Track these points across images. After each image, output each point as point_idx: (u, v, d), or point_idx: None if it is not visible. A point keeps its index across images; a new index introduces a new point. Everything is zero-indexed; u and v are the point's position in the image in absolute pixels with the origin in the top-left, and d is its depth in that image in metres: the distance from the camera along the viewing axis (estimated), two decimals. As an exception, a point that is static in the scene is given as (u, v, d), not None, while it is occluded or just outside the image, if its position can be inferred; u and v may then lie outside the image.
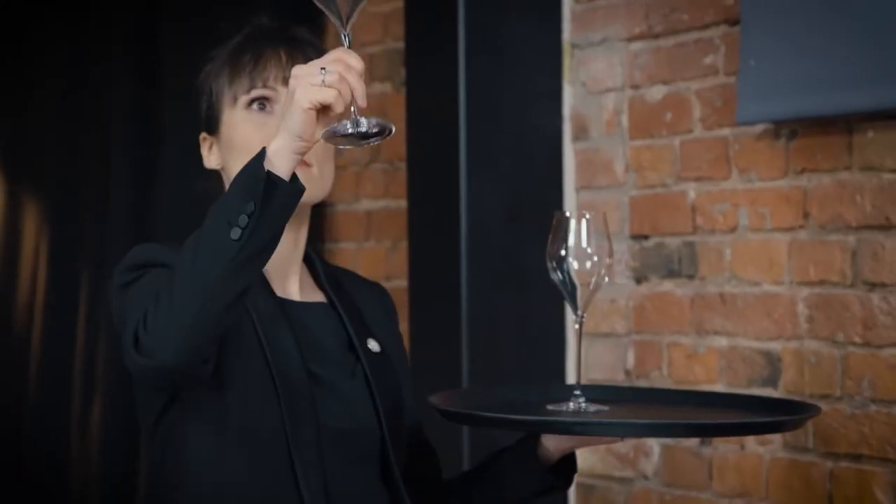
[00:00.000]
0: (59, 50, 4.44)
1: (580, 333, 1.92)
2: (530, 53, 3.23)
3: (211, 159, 1.96)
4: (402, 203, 3.57)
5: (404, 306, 3.49)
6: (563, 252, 1.83)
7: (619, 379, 3.10)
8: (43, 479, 4.28)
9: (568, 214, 1.85)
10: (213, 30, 3.93)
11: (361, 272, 3.85)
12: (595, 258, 1.84)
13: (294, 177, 1.62)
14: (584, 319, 1.88)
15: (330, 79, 1.58)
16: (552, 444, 1.93)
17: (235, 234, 1.58)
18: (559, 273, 1.84)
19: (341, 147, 1.68)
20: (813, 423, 2.68)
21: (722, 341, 2.88)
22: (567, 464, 1.98)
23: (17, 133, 4.64)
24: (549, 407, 1.87)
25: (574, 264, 1.83)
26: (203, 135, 1.98)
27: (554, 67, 3.23)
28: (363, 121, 1.60)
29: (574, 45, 3.22)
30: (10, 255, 4.57)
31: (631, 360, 3.09)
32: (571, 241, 1.83)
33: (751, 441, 2.81)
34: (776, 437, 2.75)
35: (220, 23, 3.83)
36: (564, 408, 1.86)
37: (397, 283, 3.66)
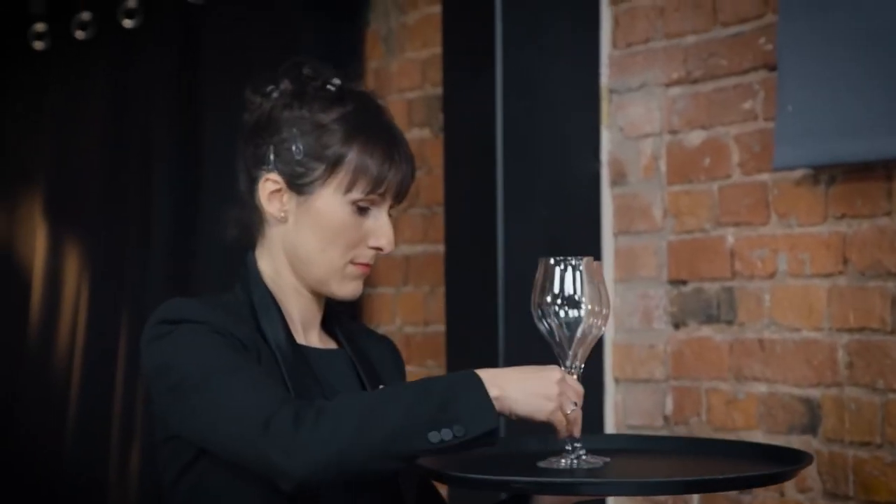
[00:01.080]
0: (102, 94, 4.48)
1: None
2: (568, 98, 3.23)
3: (274, 205, 1.93)
4: (441, 248, 3.57)
5: (442, 352, 3.48)
6: (548, 300, 1.76)
7: (658, 425, 3.08)
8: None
9: (553, 262, 1.77)
10: (253, 74, 3.96)
11: (400, 317, 3.89)
12: (588, 307, 1.77)
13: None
14: (581, 371, 1.81)
15: (572, 415, 1.75)
16: (546, 500, 1.94)
17: (433, 438, 1.67)
18: (544, 323, 1.79)
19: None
20: (853, 471, 2.66)
21: (761, 388, 2.86)
22: None
23: (60, 175, 4.69)
24: (540, 464, 1.81)
25: (566, 314, 1.77)
26: (272, 177, 1.93)
27: (591, 112, 3.23)
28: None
29: (612, 90, 3.22)
30: (51, 297, 4.60)
31: (669, 406, 3.07)
32: (565, 289, 1.76)
33: (790, 488, 2.78)
34: (816, 485, 2.72)
35: (263, 63, 3.86)
36: (555, 464, 1.79)
37: (435, 328, 3.65)
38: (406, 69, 3.85)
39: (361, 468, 1.69)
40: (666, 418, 3.07)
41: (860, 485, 2.64)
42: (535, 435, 1.95)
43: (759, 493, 2.84)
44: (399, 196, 1.93)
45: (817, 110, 2.67)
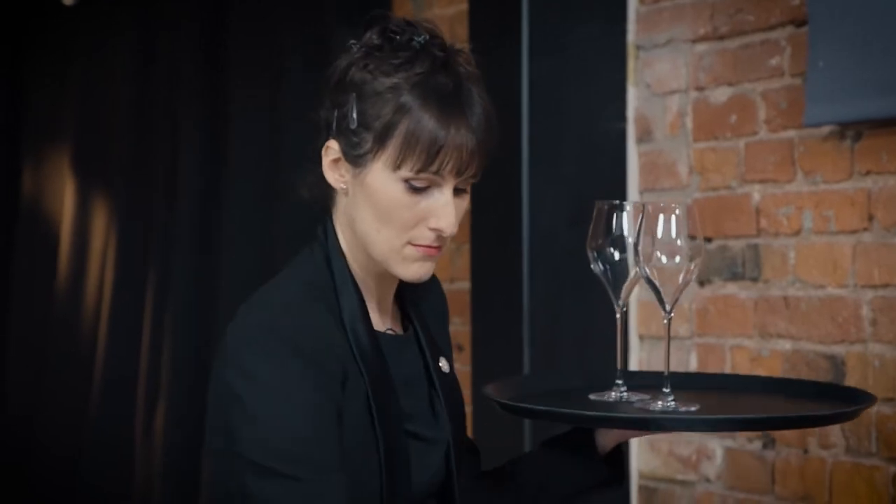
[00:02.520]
0: (129, 55, 4.49)
1: (622, 323, 1.91)
2: (594, 55, 3.22)
3: (333, 175, 1.81)
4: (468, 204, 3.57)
5: (467, 308, 3.49)
6: (609, 242, 1.79)
7: (682, 382, 3.09)
8: (107, 478, 4.32)
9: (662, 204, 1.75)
10: (283, 31, 3.95)
11: (426, 274, 3.89)
12: (687, 253, 1.74)
13: None
14: (672, 315, 1.83)
15: None
16: (605, 434, 1.92)
17: None
18: (603, 264, 1.82)
19: None
20: (876, 427, 2.65)
21: (786, 345, 2.86)
22: (617, 456, 1.97)
23: (87, 134, 4.71)
24: (592, 397, 1.87)
25: (663, 259, 1.73)
26: (332, 145, 1.80)
27: (618, 69, 3.22)
28: None
29: (639, 47, 3.21)
30: (78, 255, 4.62)
31: (694, 363, 3.07)
32: (661, 233, 1.73)
33: (814, 445, 2.78)
34: (839, 441, 2.72)
35: (289, 23, 3.86)
36: (606, 397, 1.85)
37: (461, 286, 3.66)
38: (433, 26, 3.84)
39: None
40: (690, 375, 3.07)
41: (883, 441, 2.64)
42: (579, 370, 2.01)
43: (783, 449, 2.85)
44: (462, 172, 1.73)
45: (848, 67, 2.65)
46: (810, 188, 2.81)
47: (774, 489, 2.87)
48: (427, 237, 1.74)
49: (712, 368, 3.02)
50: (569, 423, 1.86)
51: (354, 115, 1.74)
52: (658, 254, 1.72)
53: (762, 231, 2.92)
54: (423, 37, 1.75)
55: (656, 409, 1.77)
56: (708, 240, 3.04)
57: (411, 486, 1.79)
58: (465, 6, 3.53)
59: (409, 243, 1.75)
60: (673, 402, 1.78)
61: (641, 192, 3.19)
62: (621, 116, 3.22)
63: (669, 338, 1.84)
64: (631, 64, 3.22)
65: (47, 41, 4.89)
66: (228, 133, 4.07)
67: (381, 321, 1.86)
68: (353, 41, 1.78)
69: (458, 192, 1.76)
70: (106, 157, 4.58)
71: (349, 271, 1.81)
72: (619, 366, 1.90)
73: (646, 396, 1.86)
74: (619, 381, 1.88)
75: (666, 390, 1.80)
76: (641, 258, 1.74)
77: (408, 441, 1.80)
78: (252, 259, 3.91)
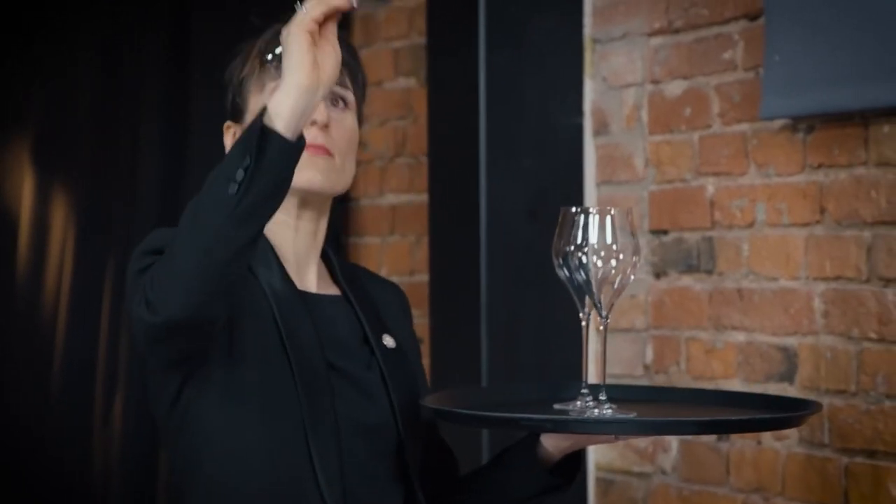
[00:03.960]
0: (90, 40, 4.47)
1: (587, 332, 1.88)
2: (551, 48, 3.23)
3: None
4: (426, 198, 3.58)
5: (425, 301, 3.50)
6: (571, 248, 1.75)
7: (638, 374, 3.10)
8: (65, 468, 4.31)
9: (590, 210, 1.75)
10: (245, 22, 3.95)
11: (386, 267, 3.90)
12: (621, 255, 1.74)
13: (300, 136, 1.63)
14: (608, 321, 1.81)
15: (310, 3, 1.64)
16: (551, 444, 1.91)
17: (233, 188, 1.59)
18: (567, 270, 1.77)
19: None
20: (828, 419, 2.68)
21: (739, 336, 2.88)
22: (571, 463, 1.96)
23: (47, 121, 4.68)
24: (557, 406, 1.84)
25: (597, 262, 1.73)
26: (228, 123, 2.01)
27: (575, 62, 3.23)
28: None
29: (595, 40, 3.22)
30: (38, 243, 4.60)
31: (650, 356, 3.09)
32: (595, 236, 1.74)
33: (767, 437, 2.80)
34: (792, 433, 2.75)
35: (252, 16, 3.86)
36: (571, 407, 1.82)
37: (421, 278, 3.67)
38: (393, 18, 3.85)
39: (215, 266, 1.63)
40: (646, 367, 3.09)
41: (835, 433, 2.67)
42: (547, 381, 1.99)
43: (737, 441, 2.87)
44: None
45: (803, 61, 2.67)
46: (763, 181, 2.83)
47: (729, 480, 2.89)
48: (309, 135, 1.80)
49: (668, 361, 3.03)
50: (475, 426, 1.87)
51: (231, 97, 2.00)
52: (594, 258, 1.73)
53: (716, 223, 2.94)
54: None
55: (592, 416, 1.77)
56: (664, 232, 3.06)
57: (337, 418, 1.82)
58: (423, -1, 3.54)
59: None
60: (610, 410, 1.77)
61: (598, 185, 3.20)
62: (578, 109, 3.23)
63: (606, 343, 1.85)
64: (588, 57, 3.23)
65: (8, 27, 4.86)
66: (190, 130, 4.07)
67: (300, 282, 1.93)
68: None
69: (334, 101, 1.93)
70: (67, 153, 4.56)
71: (265, 238, 1.89)
72: (584, 377, 1.87)
73: (591, 406, 1.82)
74: (585, 391, 1.84)
75: (602, 397, 1.80)
76: (578, 264, 1.74)
77: (330, 372, 1.85)
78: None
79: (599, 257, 1.73)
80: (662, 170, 3.06)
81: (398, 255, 3.83)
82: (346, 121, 1.95)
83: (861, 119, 2.61)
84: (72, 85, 4.59)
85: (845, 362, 2.65)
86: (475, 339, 3.17)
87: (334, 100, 1.93)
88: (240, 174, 1.59)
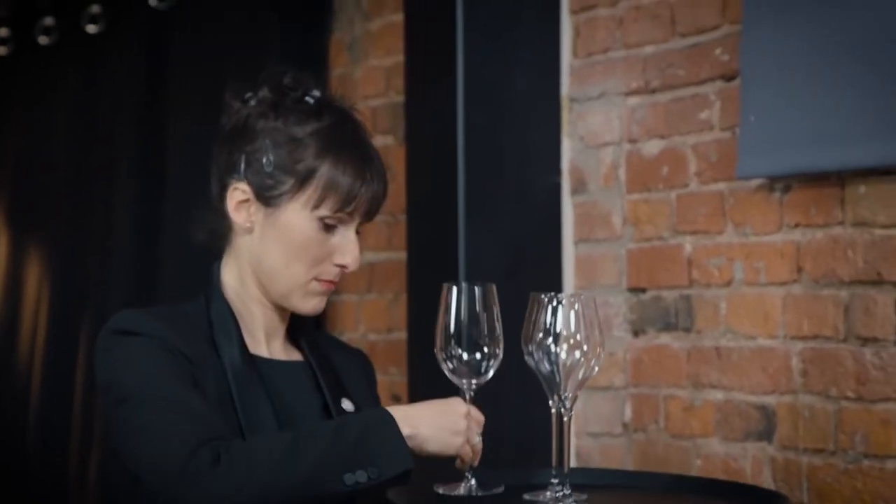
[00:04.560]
0: (66, 102, 4.48)
1: (560, 423, 1.81)
2: (529, 107, 3.25)
3: (241, 215, 1.94)
4: (404, 255, 3.58)
5: (404, 359, 3.50)
6: (539, 336, 1.74)
7: (617, 432, 3.10)
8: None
9: (546, 298, 1.74)
10: (221, 81, 3.96)
11: (363, 324, 3.90)
12: (585, 347, 1.73)
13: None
14: (571, 414, 1.78)
15: (477, 447, 1.84)
16: None
17: (349, 480, 1.71)
18: (534, 358, 1.76)
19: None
20: (807, 478, 2.68)
21: (718, 395, 2.89)
22: None
23: (22, 183, 4.68)
24: (527, 496, 1.81)
25: (561, 352, 1.73)
26: (241, 186, 1.93)
27: (552, 121, 3.25)
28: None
29: (572, 100, 3.24)
30: (11, 304, 4.59)
31: (628, 413, 3.09)
32: (560, 325, 1.73)
33: (746, 495, 2.80)
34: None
35: (230, 60, 3.86)
36: (541, 498, 1.80)
37: (399, 336, 3.67)
38: (370, 76, 3.87)
39: None
40: (625, 425, 3.09)
41: (814, 491, 2.67)
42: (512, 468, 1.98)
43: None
44: (369, 214, 1.93)
45: (779, 121, 2.69)
46: (741, 240, 2.85)
47: (708, 539, 2.89)
48: (331, 272, 1.92)
49: (646, 419, 3.04)
50: None
51: (272, 159, 1.89)
52: (557, 349, 1.73)
53: (694, 282, 2.95)
54: (315, 91, 1.95)
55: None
56: (642, 290, 3.07)
57: None
58: (401, 58, 3.56)
59: (315, 278, 1.91)
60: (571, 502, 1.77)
61: (576, 243, 3.22)
62: (556, 168, 3.25)
63: (568, 435, 1.80)
64: (565, 116, 3.25)
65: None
66: (166, 183, 4.06)
67: (267, 350, 1.97)
68: (249, 94, 1.95)
69: (356, 233, 1.95)
70: (41, 205, 4.55)
71: (230, 310, 1.92)
72: (553, 464, 1.83)
73: (581, 496, 1.81)
74: (555, 481, 1.81)
75: (567, 491, 1.79)
76: (546, 353, 1.73)
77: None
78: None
79: (564, 348, 1.72)
80: (640, 228, 3.08)
81: (375, 313, 3.83)
82: (359, 242, 1.98)
83: (838, 179, 2.63)
84: (44, 143, 4.59)
85: (824, 421, 2.66)
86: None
87: (356, 233, 1.96)
88: (361, 476, 1.71)
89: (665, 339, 3.01)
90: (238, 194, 1.93)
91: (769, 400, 2.78)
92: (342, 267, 1.92)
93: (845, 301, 2.62)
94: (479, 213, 3.22)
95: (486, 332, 1.77)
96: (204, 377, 1.84)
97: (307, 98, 1.93)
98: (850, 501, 2.60)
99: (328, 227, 1.90)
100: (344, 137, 1.92)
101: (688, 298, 2.96)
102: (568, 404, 1.77)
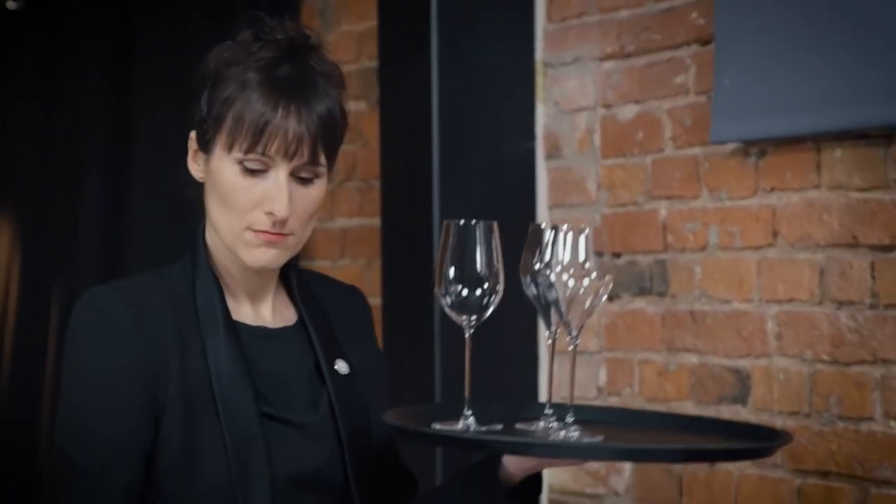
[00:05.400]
0: (34, 69, 4.45)
1: (552, 351, 1.81)
2: (503, 72, 3.24)
3: (195, 168, 1.84)
4: (377, 221, 3.58)
5: (378, 324, 3.50)
6: (539, 266, 1.69)
7: (591, 396, 3.12)
8: None
9: (562, 227, 1.70)
10: (191, 49, 3.95)
11: (336, 290, 3.88)
12: (593, 275, 1.69)
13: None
14: (578, 342, 1.75)
15: None
16: (514, 464, 1.84)
17: None
18: (535, 288, 1.71)
19: None
20: (782, 440, 2.70)
21: (692, 359, 2.90)
22: (531, 485, 1.89)
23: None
24: (519, 426, 1.78)
25: (568, 281, 1.68)
26: (192, 135, 1.83)
27: (527, 86, 3.25)
28: None
29: (547, 65, 3.24)
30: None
31: (603, 378, 3.10)
32: (567, 255, 1.69)
33: (721, 458, 2.82)
34: (746, 454, 2.76)
35: (197, 40, 3.85)
36: (534, 427, 1.76)
37: (372, 301, 3.64)
38: (342, 42, 3.85)
39: None
40: (599, 389, 3.10)
41: (788, 454, 2.69)
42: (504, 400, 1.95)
43: (691, 464, 2.88)
44: (291, 155, 1.74)
45: (753, 85, 2.70)
46: (716, 204, 2.85)
47: (682, 502, 2.91)
48: (263, 222, 1.76)
49: (621, 383, 3.05)
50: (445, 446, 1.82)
51: (204, 104, 1.79)
52: (565, 277, 1.69)
53: (669, 247, 2.96)
54: (288, 33, 1.80)
55: (558, 438, 1.71)
56: (616, 255, 3.08)
57: (272, 469, 1.77)
58: (374, 23, 3.54)
59: (249, 228, 1.77)
60: (577, 433, 1.72)
61: (550, 209, 3.22)
62: (530, 133, 3.25)
63: (575, 365, 1.79)
64: (539, 82, 3.24)
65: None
66: (136, 147, 4.04)
67: (252, 316, 1.87)
68: (228, 41, 1.83)
69: (302, 180, 1.77)
70: (9, 177, 4.53)
71: (209, 265, 1.84)
72: (547, 396, 1.83)
73: (556, 427, 1.75)
74: (549, 412, 1.78)
75: (570, 419, 1.74)
76: (548, 282, 1.69)
77: (267, 423, 1.79)
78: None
79: (570, 276, 1.69)
80: (615, 193, 3.08)
81: (349, 279, 3.79)
82: (312, 193, 1.80)
83: (813, 143, 2.64)
84: (12, 120, 4.56)
85: (798, 384, 2.68)
86: (428, 363, 3.17)
87: (301, 180, 1.78)
88: None
89: (640, 303, 3.02)
90: (192, 144, 1.83)
91: (744, 363, 2.79)
92: (271, 215, 1.75)
93: (821, 264, 2.64)
94: (452, 179, 3.22)
95: (486, 269, 1.72)
96: (165, 364, 1.77)
97: (278, 38, 1.79)
98: (825, 463, 2.62)
99: (252, 172, 1.75)
100: (272, 72, 1.75)
101: (662, 263, 2.97)
102: (574, 332, 1.74)
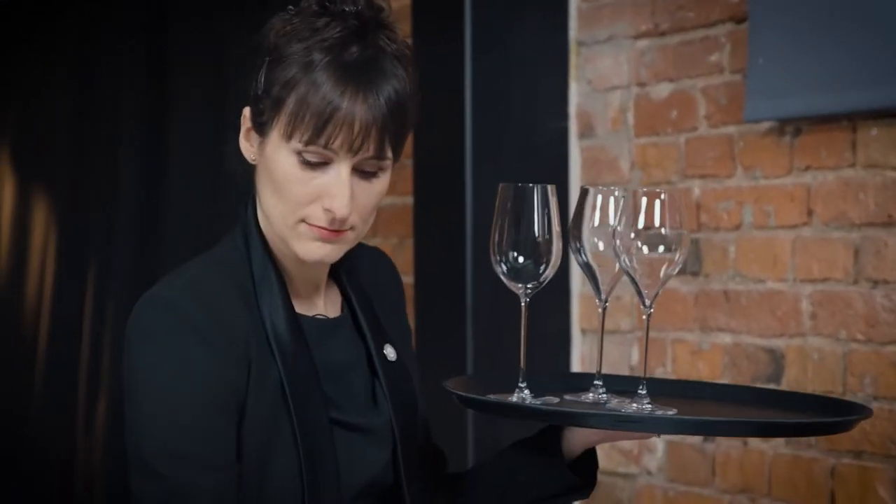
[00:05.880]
0: (69, 48, 4.46)
1: (603, 320, 1.76)
2: (537, 51, 3.24)
3: (247, 148, 1.71)
4: (409, 200, 3.58)
5: (410, 303, 3.50)
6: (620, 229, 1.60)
7: (624, 375, 3.11)
8: (47, 475, 4.30)
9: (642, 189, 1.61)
10: (224, 27, 3.95)
11: (368, 269, 3.89)
12: (672, 245, 1.60)
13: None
14: (651, 311, 1.65)
15: None
16: (579, 437, 1.77)
17: None
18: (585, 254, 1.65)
19: None
20: (816, 420, 2.69)
21: (726, 338, 2.89)
22: (589, 458, 1.83)
23: (27, 130, 4.67)
24: (568, 397, 1.73)
25: (644, 249, 1.59)
26: (246, 112, 1.70)
27: (560, 65, 3.24)
28: None
29: (580, 43, 3.23)
30: (18, 251, 4.59)
31: (635, 357, 3.09)
32: (643, 222, 1.58)
33: (754, 438, 2.81)
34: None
35: (231, 20, 3.86)
36: (584, 398, 1.71)
37: (404, 280, 3.66)
38: (375, 22, 3.85)
39: None
40: (632, 368, 3.10)
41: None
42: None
43: (723, 441, 2.88)
44: (356, 149, 1.60)
45: (788, 63, 2.69)
46: (750, 183, 2.84)
47: (715, 481, 2.90)
48: (320, 218, 1.64)
49: (654, 363, 3.04)
50: (533, 420, 1.71)
51: (262, 81, 1.64)
52: (639, 244, 1.59)
53: (703, 226, 2.95)
54: (357, 6, 1.65)
55: (630, 410, 1.63)
56: (649, 235, 3.07)
57: (340, 481, 1.68)
58: (407, 1, 3.54)
59: (303, 221, 1.65)
60: (649, 405, 1.64)
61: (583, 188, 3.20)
62: (563, 112, 3.24)
63: (648, 334, 1.71)
64: (573, 60, 3.23)
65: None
66: (171, 125, 4.05)
67: (308, 305, 1.77)
68: (290, 6, 1.68)
69: (366, 174, 1.65)
70: (46, 161, 4.55)
71: (268, 252, 1.71)
72: (598, 366, 1.75)
73: (625, 399, 1.69)
74: (598, 383, 1.72)
75: (642, 391, 1.65)
76: (621, 248, 1.61)
77: (336, 431, 1.69)
78: (194, 252, 3.90)
79: (647, 243, 1.60)
80: (648, 172, 3.07)
81: (381, 258, 3.83)
82: (376, 187, 1.68)
83: (848, 121, 2.63)
84: (50, 95, 4.58)
85: (833, 364, 2.67)
86: (461, 341, 3.18)
87: (365, 174, 1.66)
88: None
89: (673, 282, 3.01)
90: (245, 122, 1.70)
91: (778, 343, 2.78)
92: (329, 212, 1.62)
93: (856, 243, 2.62)
94: (485, 158, 3.21)
95: (544, 235, 1.64)
96: (247, 367, 1.65)
97: (347, 9, 1.64)
98: (859, 443, 2.61)
99: (310, 164, 1.62)
100: (339, 54, 1.60)
101: (696, 242, 2.96)
102: (648, 301, 1.64)
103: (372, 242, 3.89)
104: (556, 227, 1.65)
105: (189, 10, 4.07)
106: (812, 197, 2.71)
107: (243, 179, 1.75)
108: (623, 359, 3.12)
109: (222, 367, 1.61)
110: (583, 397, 1.72)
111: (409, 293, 3.48)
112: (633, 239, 1.59)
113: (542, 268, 1.67)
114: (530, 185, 1.63)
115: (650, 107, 3.07)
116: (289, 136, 1.61)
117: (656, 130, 3.05)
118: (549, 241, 1.66)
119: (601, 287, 1.72)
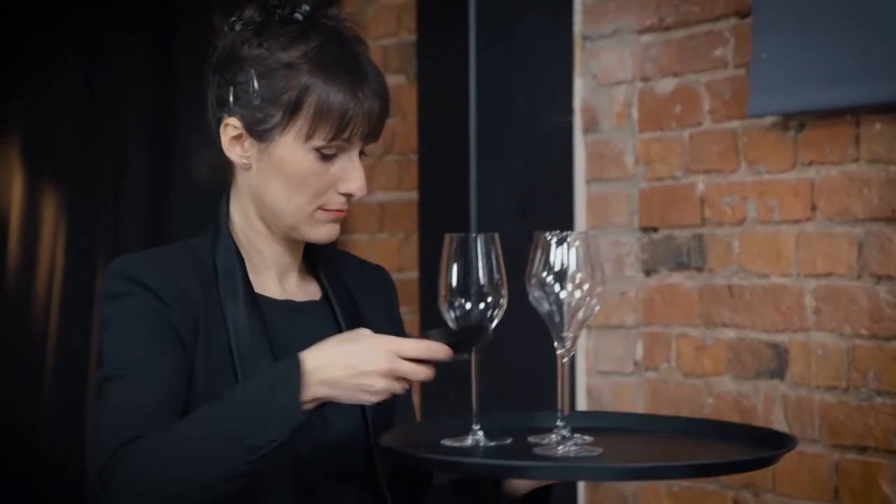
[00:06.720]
0: (77, 42, 4.47)
1: (563, 367, 1.71)
2: (541, 46, 3.23)
3: (235, 151, 1.82)
4: (415, 195, 3.58)
5: (415, 298, 3.50)
6: (545, 276, 1.67)
7: (628, 371, 3.11)
8: (58, 470, 4.30)
9: (549, 237, 1.67)
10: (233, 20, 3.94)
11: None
12: (586, 286, 1.66)
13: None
14: (573, 353, 1.72)
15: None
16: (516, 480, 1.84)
17: (252, 454, 1.60)
18: (545, 303, 1.69)
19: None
20: (819, 415, 2.69)
21: (730, 333, 2.89)
22: (541, 494, 1.88)
23: (36, 124, 4.67)
24: (531, 439, 1.74)
25: (563, 292, 1.66)
26: (232, 122, 1.81)
27: (565, 60, 3.24)
28: None
29: (585, 38, 3.22)
30: (27, 245, 4.60)
31: (640, 352, 3.09)
32: (558, 265, 1.66)
33: (758, 433, 2.81)
34: (783, 428, 2.75)
35: (240, 4, 3.85)
36: (546, 440, 1.71)
37: (409, 275, 3.67)
38: (381, 15, 3.85)
39: (188, 497, 1.63)
40: (636, 364, 3.10)
41: (826, 429, 2.68)
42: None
43: (728, 437, 2.87)
44: (368, 136, 1.79)
45: (791, 58, 2.68)
46: (754, 178, 2.84)
47: (719, 477, 2.90)
48: (337, 201, 1.80)
49: (658, 358, 3.04)
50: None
51: (258, 90, 1.78)
52: (558, 287, 1.66)
53: (707, 221, 2.94)
54: (304, 8, 1.81)
55: (557, 453, 1.67)
56: (654, 230, 3.07)
57: (297, 453, 1.76)
58: (412, -3, 3.54)
59: (321, 208, 1.80)
60: (574, 447, 1.67)
61: (588, 183, 3.21)
62: (568, 107, 3.23)
63: (568, 375, 1.71)
64: (577, 55, 3.23)
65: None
66: (177, 120, 4.06)
67: (280, 289, 1.88)
68: (234, 18, 1.84)
69: (361, 153, 1.82)
70: (54, 155, 4.55)
71: (236, 249, 1.84)
72: (560, 407, 1.73)
73: (589, 438, 1.72)
74: (560, 424, 1.72)
75: (566, 433, 1.70)
76: (540, 291, 1.68)
77: None
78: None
79: (573, 286, 1.66)
80: (653, 167, 3.07)
81: (387, 252, 3.83)
82: (365, 162, 1.84)
83: (852, 116, 2.62)
84: (58, 89, 4.59)
85: (836, 359, 2.66)
86: (465, 337, 3.17)
87: (361, 153, 1.82)
88: (263, 446, 1.60)
89: (677, 278, 3.01)
90: (230, 130, 1.81)
91: (781, 338, 2.78)
92: (348, 194, 1.79)
93: (860, 238, 2.62)
94: (490, 153, 3.21)
95: (488, 282, 1.70)
96: (194, 326, 1.77)
97: (296, 15, 1.79)
98: (862, 438, 2.60)
99: (327, 157, 1.77)
100: (332, 58, 1.76)
101: (700, 237, 2.96)
102: (568, 344, 1.69)
103: (378, 237, 3.91)
104: (498, 275, 1.71)
105: (197, 3, 4.07)
106: (816, 192, 2.71)
107: (212, 184, 1.89)
108: (627, 354, 3.12)
109: (168, 313, 1.75)
110: (545, 439, 1.72)
111: (414, 288, 3.48)
112: (552, 283, 1.67)
113: (490, 313, 1.72)
114: (473, 235, 1.71)
115: (654, 101, 3.06)
116: (310, 136, 1.77)
117: (661, 125, 3.05)
118: (494, 289, 1.71)
119: (563, 331, 1.71)
